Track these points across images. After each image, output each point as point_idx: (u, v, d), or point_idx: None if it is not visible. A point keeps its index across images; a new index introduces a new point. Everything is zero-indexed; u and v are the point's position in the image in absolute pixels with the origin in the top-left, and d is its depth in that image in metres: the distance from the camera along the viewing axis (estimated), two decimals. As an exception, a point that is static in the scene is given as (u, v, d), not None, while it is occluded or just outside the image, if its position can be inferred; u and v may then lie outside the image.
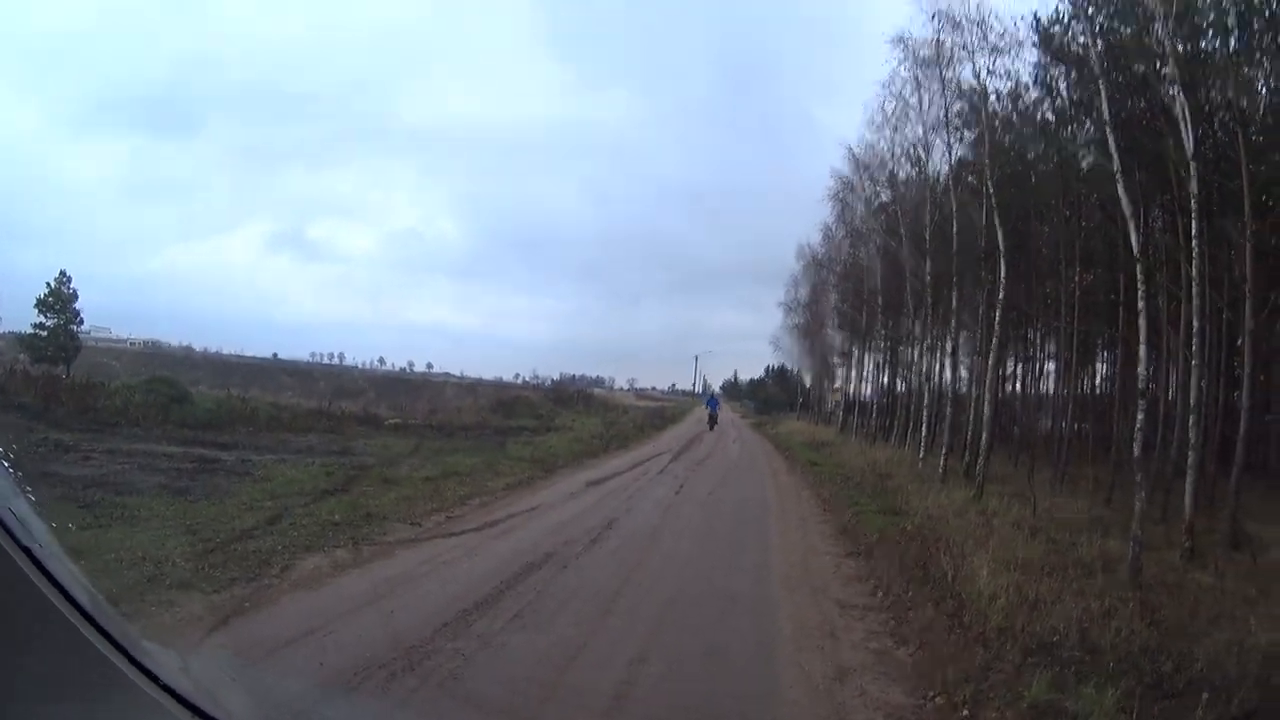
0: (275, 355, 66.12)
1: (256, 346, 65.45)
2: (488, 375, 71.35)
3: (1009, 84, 27.82)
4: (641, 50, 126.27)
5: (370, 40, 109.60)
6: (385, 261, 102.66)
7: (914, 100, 32.62)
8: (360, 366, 72.15)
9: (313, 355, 72.47)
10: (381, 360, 75.43)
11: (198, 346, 62.75)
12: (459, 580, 12.39)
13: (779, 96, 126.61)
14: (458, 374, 72.46)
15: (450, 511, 18.25)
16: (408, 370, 74.61)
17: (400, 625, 10.15)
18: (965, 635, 10.64)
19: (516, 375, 74.72)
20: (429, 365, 77.78)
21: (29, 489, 2.90)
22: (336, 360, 73.18)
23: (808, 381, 76.57)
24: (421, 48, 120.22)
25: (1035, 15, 24.56)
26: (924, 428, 34.21)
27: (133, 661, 2.40)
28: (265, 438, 31.01)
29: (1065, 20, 23.60)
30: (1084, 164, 25.17)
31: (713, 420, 61.18)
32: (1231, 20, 19.91)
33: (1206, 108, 20.41)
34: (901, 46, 31.17)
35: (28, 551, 2.27)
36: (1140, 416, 17.70)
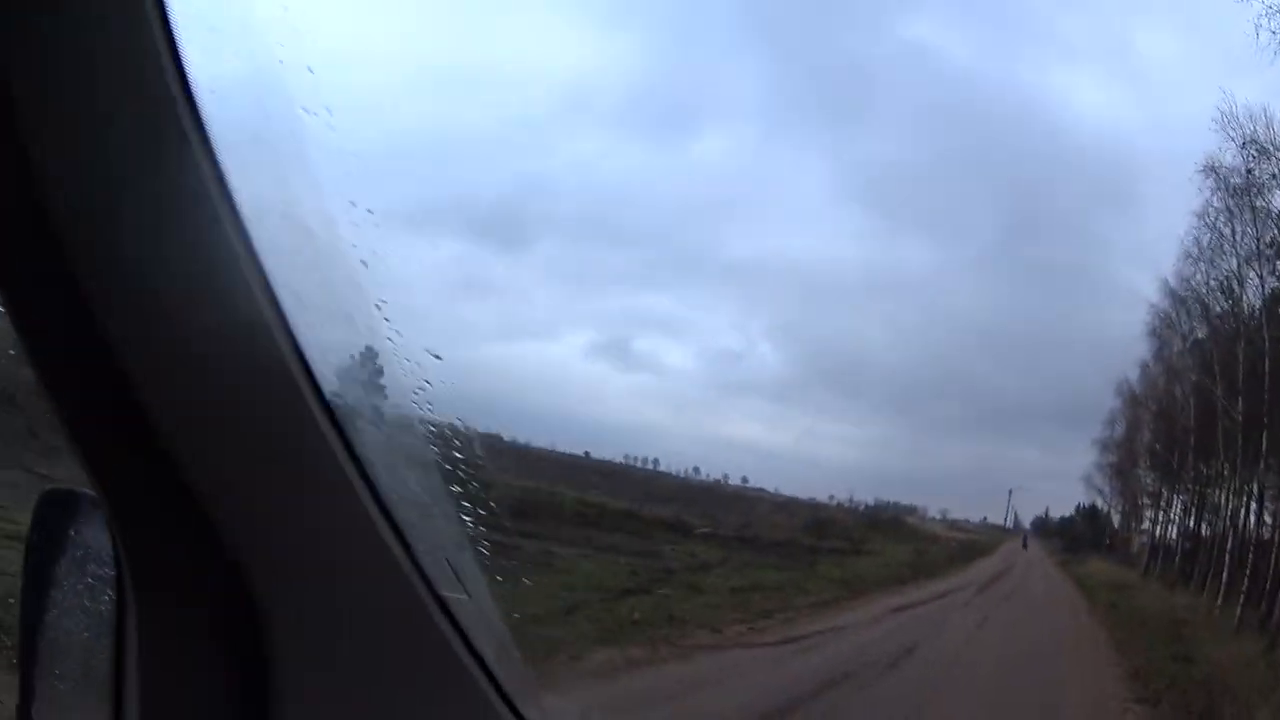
0: (587, 454, 66.03)
1: (568, 443, 65.46)
2: (802, 494, 69.54)
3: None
4: (933, 205, 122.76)
5: (693, 183, 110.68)
6: (703, 378, 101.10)
7: (1227, 231, 32.01)
8: (675, 474, 71.62)
9: (626, 458, 71.75)
10: (696, 470, 74.73)
11: (505, 436, 64.03)
12: (753, 690, 13.01)
13: (1057, 247, 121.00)
14: (772, 490, 71.26)
15: (753, 624, 18.57)
16: (722, 482, 73.91)
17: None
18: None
19: (831, 496, 72.72)
20: (744, 479, 76.63)
21: (485, 543, 3.10)
22: (651, 465, 72.79)
23: (1115, 522, 73.50)
24: (739, 190, 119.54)
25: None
26: (1224, 574, 32.76)
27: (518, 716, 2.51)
28: (569, 532, 31.24)
29: None
30: None
31: (1025, 545, 69.95)
32: None
33: None
34: (1213, 176, 30.67)
35: (442, 602, 2.30)
36: None
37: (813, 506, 64.33)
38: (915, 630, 21.60)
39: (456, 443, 3.17)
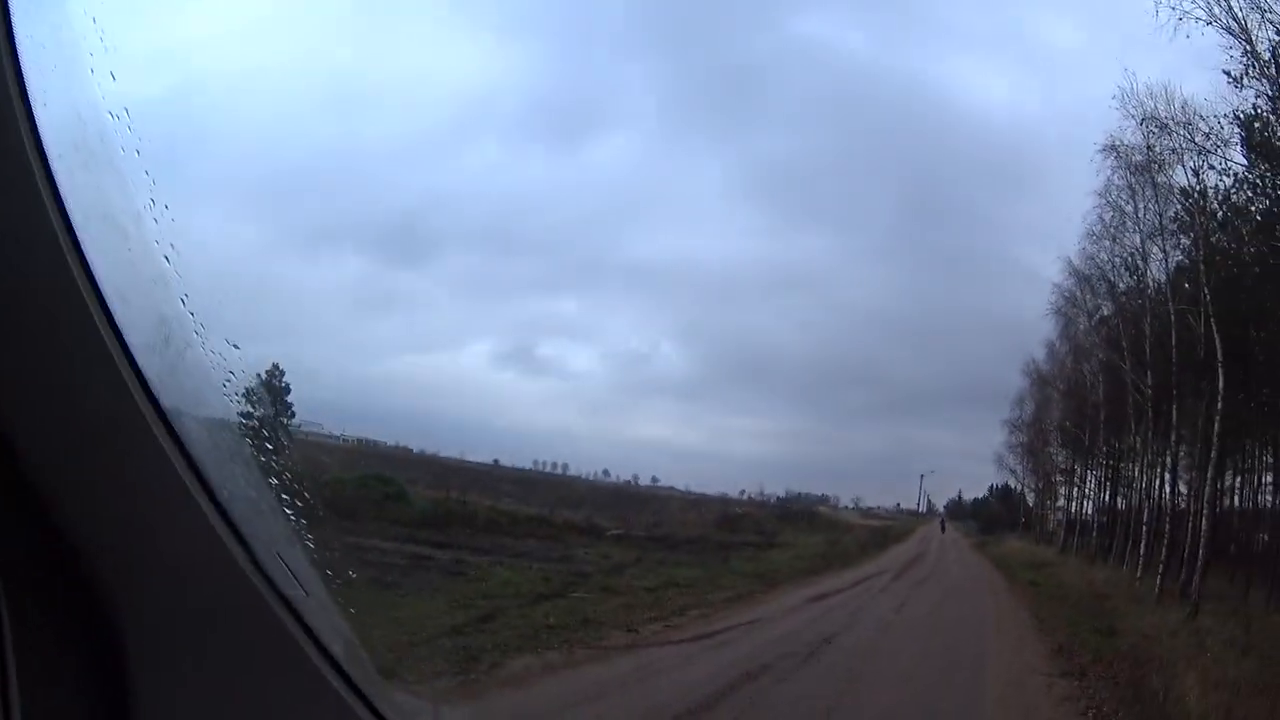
0: (497, 461, 66.05)
1: (477, 452, 65.57)
2: (713, 490, 69.97)
3: (1223, 181, 27.38)
4: (831, 198, 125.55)
5: (592, 188, 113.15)
6: (609, 380, 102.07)
7: (1129, 208, 32.39)
8: (584, 477, 72.02)
9: (536, 463, 71.96)
10: (606, 472, 75.04)
11: (415, 448, 64.23)
12: (672, 687, 12.57)
13: (957, 232, 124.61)
14: (683, 488, 71.72)
15: (669, 621, 18.33)
16: (632, 483, 74.30)
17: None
18: (1172, 756, 10.76)
19: (742, 491, 73.00)
20: (654, 479, 77.03)
21: (310, 537, 3.06)
22: (560, 470, 73.17)
23: (1030, 500, 74.27)
24: (637, 194, 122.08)
25: (1237, 113, 24.36)
26: (1142, 545, 33.03)
27: (375, 713, 2.54)
28: (483, 540, 31.21)
29: (1264, 116, 23.55)
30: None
31: (942, 528, 77.58)
32: None
33: None
34: (1114, 155, 30.94)
35: (286, 601, 2.34)
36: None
37: (724, 502, 64.80)
38: (832, 620, 21.57)
39: (265, 433, 3.37)
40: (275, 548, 2.48)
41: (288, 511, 3.05)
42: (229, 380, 2.98)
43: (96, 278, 2.01)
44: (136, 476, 2.13)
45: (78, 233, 1.98)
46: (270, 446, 3.23)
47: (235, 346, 3.03)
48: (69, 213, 1.97)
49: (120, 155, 2.55)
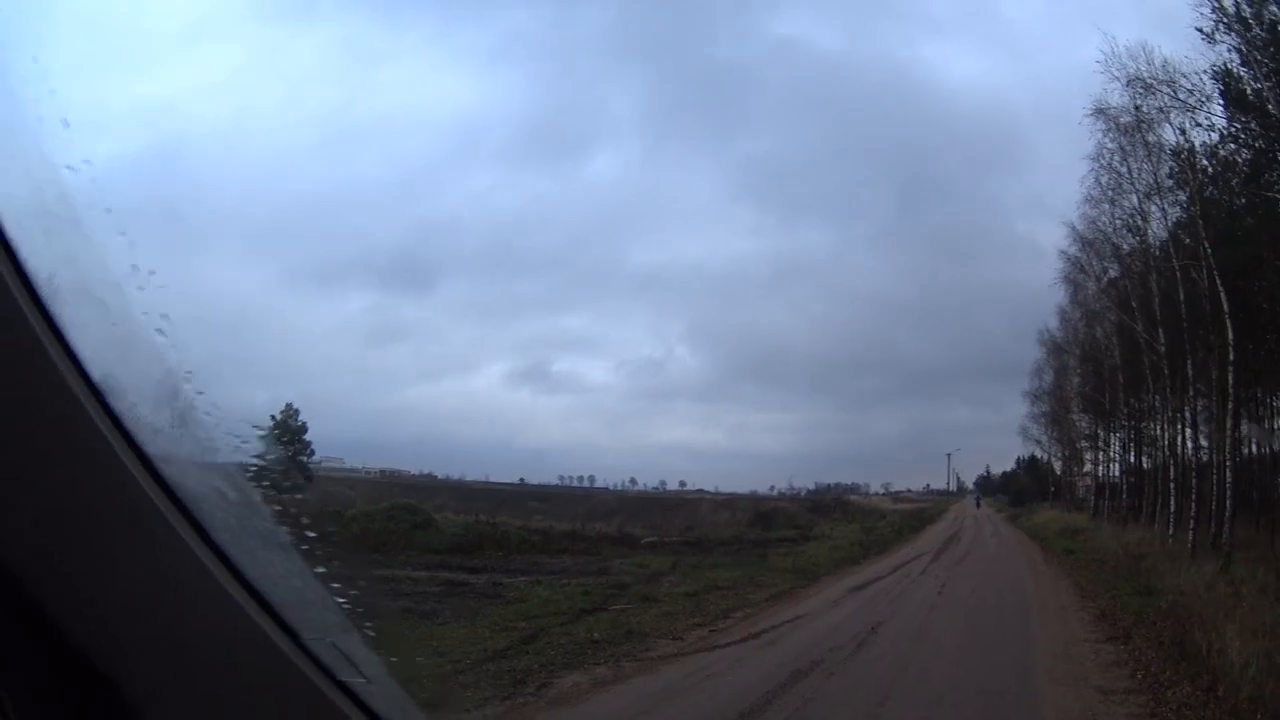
0: (522, 480, 66.61)
1: (502, 473, 66.38)
2: (743, 489, 70.21)
3: (1210, 136, 27.81)
4: (831, 190, 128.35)
5: (593, 202, 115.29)
6: (627, 389, 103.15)
7: (1124, 170, 32.66)
8: (612, 488, 72.28)
9: (562, 479, 72.45)
10: (633, 481, 75.47)
11: (439, 474, 64.57)
12: (723, 692, 12.54)
13: (953, 212, 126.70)
14: (712, 490, 71.93)
15: (713, 625, 18.30)
16: (661, 489, 74.55)
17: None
18: (1220, 708, 10.88)
19: (772, 487, 73.17)
20: (682, 483, 77.47)
21: (369, 624, 2.91)
22: (587, 483, 73.46)
23: (1058, 469, 73.78)
24: (635, 204, 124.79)
25: (1214, 68, 24.84)
26: (1171, 503, 33.09)
27: None
28: (517, 560, 31.34)
29: (1236, 70, 24.01)
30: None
31: (977, 504, 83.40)
32: None
33: None
34: (1103, 118, 31.29)
35: (344, 688, 2.26)
36: None
37: (755, 500, 64.92)
38: (876, 608, 21.54)
39: (305, 520, 3.02)
40: (329, 636, 2.37)
41: (340, 600, 2.89)
42: (250, 465, 2.88)
43: (83, 363, 1.86)
44: (157, 570, 2.00)
45: (54, 318, 1.82)
46: (313, 534, 2.99)
47: (258, 428, 3.06)
48: (38, 293, 1.82)
49: (87, 215, 2.26)
